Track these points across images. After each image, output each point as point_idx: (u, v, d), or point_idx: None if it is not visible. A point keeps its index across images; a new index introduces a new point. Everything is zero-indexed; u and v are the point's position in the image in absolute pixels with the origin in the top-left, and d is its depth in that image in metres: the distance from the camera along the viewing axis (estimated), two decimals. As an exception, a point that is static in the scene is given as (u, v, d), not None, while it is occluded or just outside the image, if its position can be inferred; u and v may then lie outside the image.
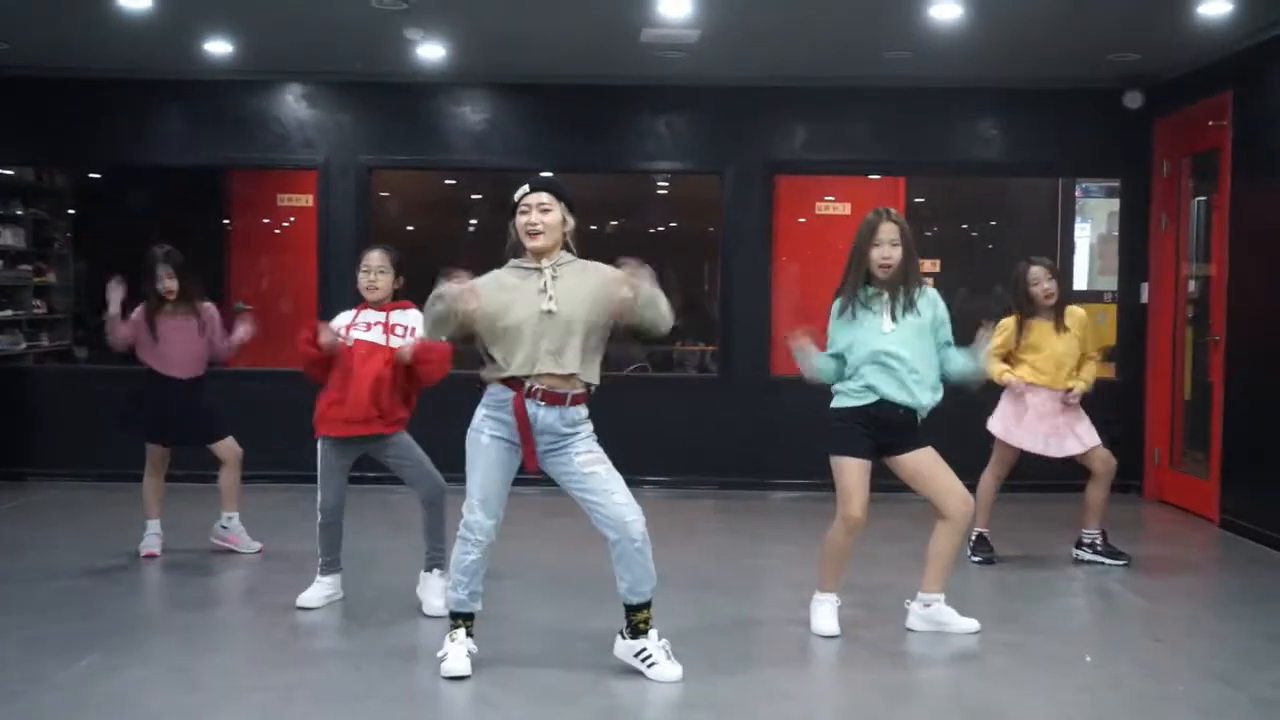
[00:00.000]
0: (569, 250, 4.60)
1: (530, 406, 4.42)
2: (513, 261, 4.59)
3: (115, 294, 6.29)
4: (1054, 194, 9.87)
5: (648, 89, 8.82)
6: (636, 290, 4.42)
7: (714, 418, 8.72)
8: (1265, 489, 7.18)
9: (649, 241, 11.77)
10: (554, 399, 4.43)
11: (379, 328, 5.38)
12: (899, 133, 8.89)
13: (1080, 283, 9.65)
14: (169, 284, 6.34)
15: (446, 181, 11.16)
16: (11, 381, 9.11)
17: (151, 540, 6.46)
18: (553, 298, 4.41)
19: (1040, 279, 6.39)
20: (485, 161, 9.09)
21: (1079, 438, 6.35)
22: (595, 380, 4.55)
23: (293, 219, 10.23)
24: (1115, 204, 9.20)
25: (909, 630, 5.20)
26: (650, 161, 9.10)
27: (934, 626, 5.17)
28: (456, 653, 4.51)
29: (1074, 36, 7.42)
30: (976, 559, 6.43)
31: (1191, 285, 8.56)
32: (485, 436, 4.51)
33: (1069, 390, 6.32)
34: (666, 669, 4.49)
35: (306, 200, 9.40)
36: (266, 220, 10.63)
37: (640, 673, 4.50)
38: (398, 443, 5.46)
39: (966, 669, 4.88)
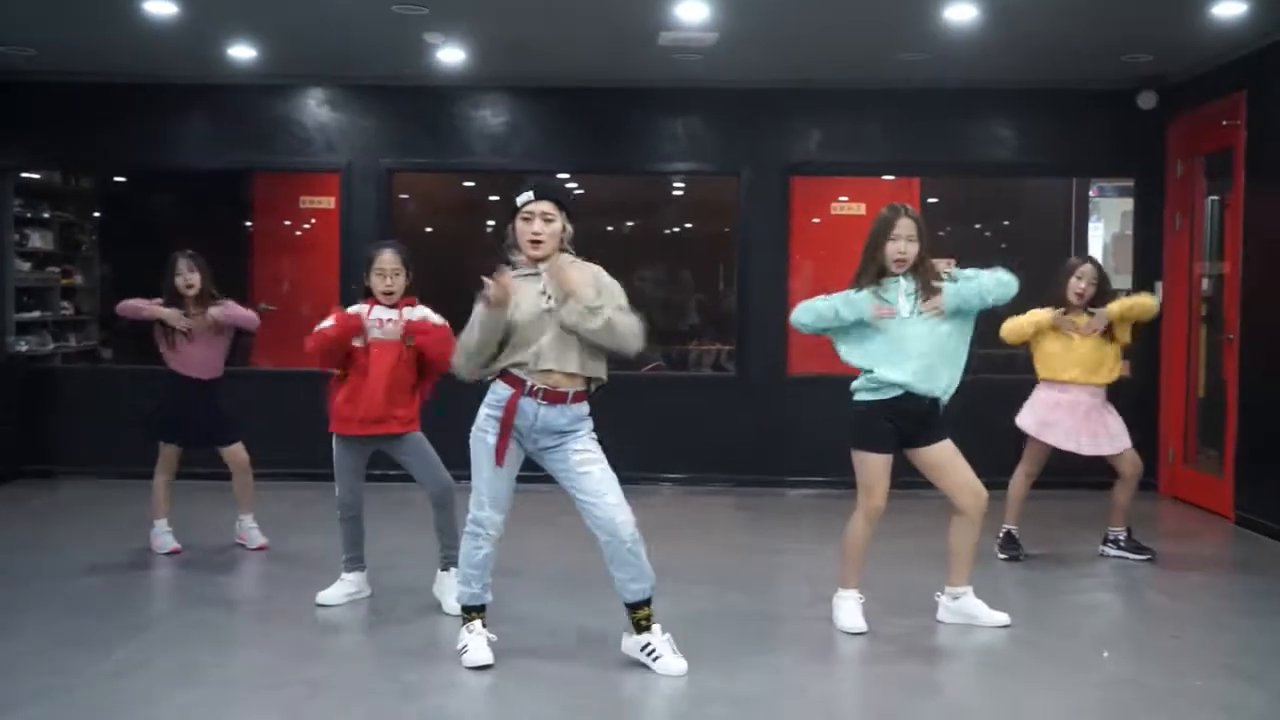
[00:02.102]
0: (567, 252, 4.59)
1: (530, 405, 4.43)
2: (515, 264, 4.58)
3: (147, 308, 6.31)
4: (1068, 194, 9.86)
5: (664, 91, 8.82)
6: (560, 298, 4.41)
7: (731, 416, 8.71)
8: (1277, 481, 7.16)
9: (666, 242, 11.79)
10: (555, 397, 4.43)
11: (392, 325, 5.35)
12: (913, 133, 8.89)
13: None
14: (190, 278, 6.36)
15: (465, 184, 11.17)
16: (40, 381, 9.15)
17: (165, 539, 6.48)
18: (551, 297, 4.42)
19: (1085, 274, 6.33)
20: (504, 164, 9.09)
21: (1112, 438, 6.31)
22: (602, 376, 4.54)
23: (314, 220, 10.24)
24: (1129, 203, 9.18)
25: (939, 622, 5.19)
26: (667, 163, 9.09)
27: (964, 619, 5.15)
28: (477, 644, 4.54)
29: (1087, 37, 7.39)
30: (1003, 556, 6.40)
31: (1205, 284, 8.52)
32: (490, 436, 4.50)
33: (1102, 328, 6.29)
34: (671, 663, 4.48)
35: (329, 202, 9.43)
36: (289, 222, 10.64)
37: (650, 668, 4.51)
38: (410, 441, 5.45)
39: (985, 664, 4.86)
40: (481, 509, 4.52)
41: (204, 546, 6.58)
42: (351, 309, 5.43)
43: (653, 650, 4.51)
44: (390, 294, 5.36)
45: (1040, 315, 6.28)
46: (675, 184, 10.95)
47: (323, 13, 6.95)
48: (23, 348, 9.41)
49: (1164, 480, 8.53)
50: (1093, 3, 6.52)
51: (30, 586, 5.84)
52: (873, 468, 5.01)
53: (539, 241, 4.47)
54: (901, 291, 5.00)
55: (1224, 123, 7.94)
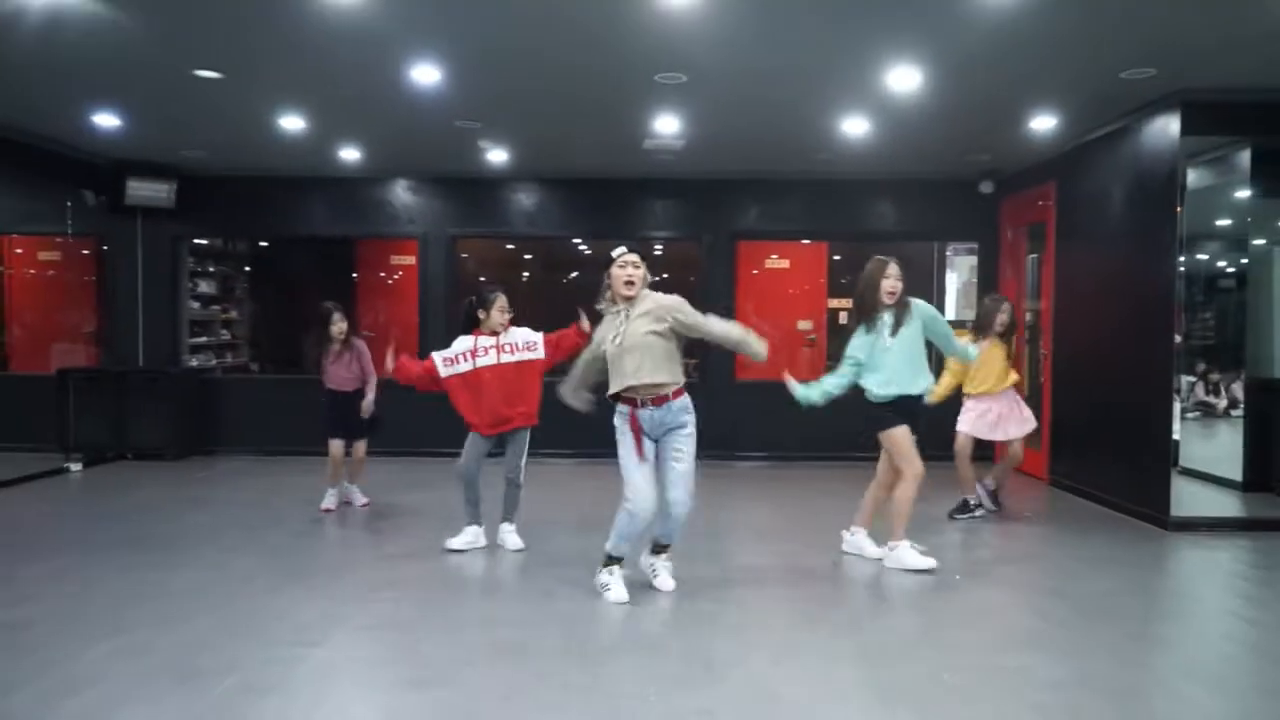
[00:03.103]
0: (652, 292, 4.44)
1: (645, 410, 4.27)
2: (604, 309, 4.45)
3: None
4: (931, 253, 9.89)
5: (648, 180, 8.85)
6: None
7: (696, 409, 8.68)
8: (1080, 457, 7.20)
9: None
10: (659, 400, 4.28)
11: (494, 351, 5.17)
12: (823, 210, 8.92)
13: (950, 315, 9.64)
14: (340, 326, 6.32)
15: (508, 247, 11.18)
16: (205, 387, 9.14)
17: (329, 499, 6.40)
18: (619, 337, 4.29)
19: (1006, 310, 6.25)
20: (535, 232, 9.11)
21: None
22: (679, 378, 4.35)
23: (401, 273, 10.26)
24: (974, 260, 9.22)
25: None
26: (650, 231, 9.14)
27: (897, 564, 4.96)
28: (618, 585, 4.38)
29: (944, 143, 7.45)
30: (961, 518, 6.26)
31: (1029, 316, 8.55)
32: (627, 440, 4.31)
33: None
34: (665, 581, 4.52)
35: (411, 260, 9.43)
36: (383, 274, 10.65)
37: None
38: (520, 434, 5.25)
39: (934, 599, 4.80)
40: (636, 497, 4.26)
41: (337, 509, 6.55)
42: (460, 340, 5.23)
43: (655, 569, 4.55)
44: (505, 327, 5.21)
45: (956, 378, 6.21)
46: (656, 246, 10.97)
47: (405, 127, 6.98)
48: (193, 363, 9.40)
49: (998, 453, 8.54)
50: (948, 119, 6.58)
51: (195, 534, 5.84)
52: (902, 439, 4.90)
53: (632, 283, 4.33)
54: (885, 325, 4.89)
55: (1040, 203, 8.00)
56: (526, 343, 5.23)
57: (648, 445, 4.33)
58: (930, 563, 4.88)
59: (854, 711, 3.20)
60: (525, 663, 3.60)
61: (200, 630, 3.94)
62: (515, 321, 5.33)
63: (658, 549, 4.60)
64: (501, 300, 5.22)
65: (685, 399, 4.36)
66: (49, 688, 3.34)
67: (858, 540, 5.25)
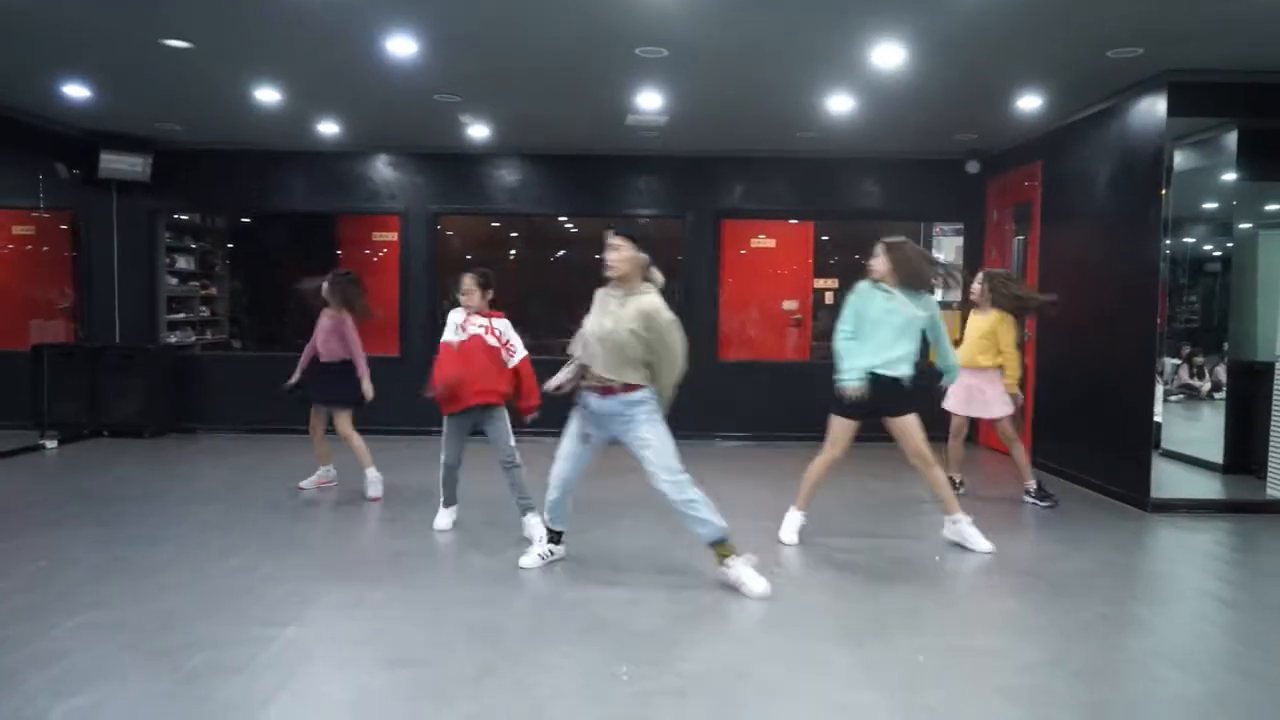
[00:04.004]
0: (650, 282, 4.33)
1: (592, 396, 4.25)
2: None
3: None
4: (918, 232, 9.86)
5: (631, 158, 8.79)
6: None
7: (680, 388, 8.67)
8: (1062, 439, 7.22)
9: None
10: (605, 391, 4.25)
11: (482, 330, 5.11)
12: (809, 189, 8.89)
13: (935, 296, 9.60)
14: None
15: (492, 224, 11.09)
16: (184, 364, 9.08)
17: (376, 486, 6.14)
18: (607, 319, 4.26)
19: (980, 282, 6.21)
20: (517, 209, 9.05)
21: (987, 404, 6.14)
22: (636, 381, 4.26)
23: (385, 250, 10.17)
24: (960, 240, 9.21)
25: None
26: (634, 209, 9.08)
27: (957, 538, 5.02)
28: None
29: (931, 122, 7.42)
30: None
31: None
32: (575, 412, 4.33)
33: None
34: (752, 585, 4.18)
35: (393, 236, 9.35)
36: (366, 251, 10.56)
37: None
38: (493, 417, 5.13)
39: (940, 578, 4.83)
40: (686, 474, 4.23)
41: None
42: (454, 313, 5.19)
43: (737, 578, 4.25)
44: (475, 306, 5.19)
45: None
46: (642, 224, 10.94)
47: (384, 100, 6.89)
48: (172, 340, 9.32)
49: (982, 435, 8.60)
50: (934, 97, 6.54)
51: (173, 511, 5.81)
52: (841, 430, 4.95)
53: (612, 266, 4.27)
54: (901, 299, 4.89)
55: (1026, 183, 7.98)
56: (508, 345, 5.14)
57: (587, 426, 4.30)
58: (990, 546, 4.91)
59: (823, 691, 3.21)
60: (498, 643, 3.60)
61: (171, 607, 3.92)
62: (496, 304, 5.25)
63: (717, 557, 4.32)
64: (464, 281, 5.16)
65: (639, 394, 4.21)
66: (14, 663, 3.32)
67: (960, 529, 5.09)
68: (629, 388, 4.22)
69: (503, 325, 5.17)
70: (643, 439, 4.23)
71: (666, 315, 4.20)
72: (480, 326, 5.13)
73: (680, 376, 4.26)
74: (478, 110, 7.28)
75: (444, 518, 5.34)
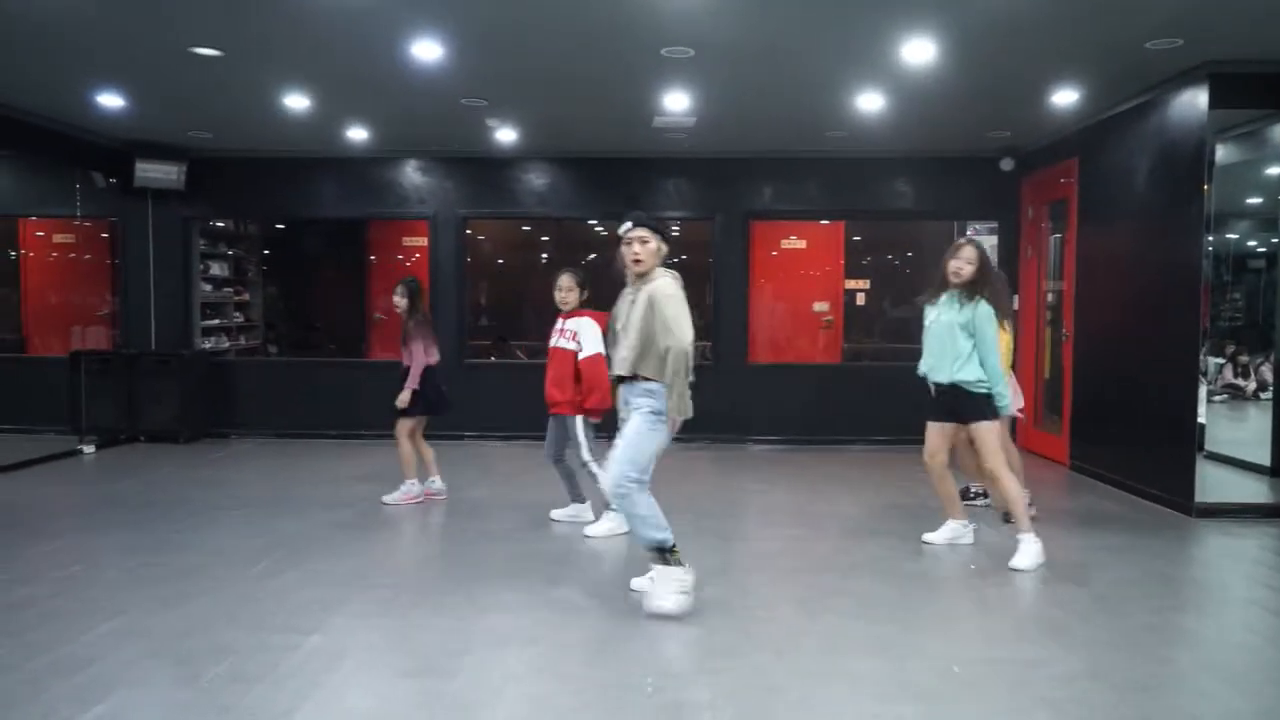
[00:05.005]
0: (666, 270, 4.10)
1: (620, 387, 4.18)
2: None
3: None
4: (951, 232, 9.68)
5: (660, 159, 8.72)
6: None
7: (708, 392, 8.56)
8: (1100, 441, 7.04)
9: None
10: (627, 379, 4.12)
11: (557, 333, 5.21)
12: (839, 189, 8.76)
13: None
14: (398, 301, 6.02)
15: (523, 228, 11.09)
16: (218, 369, 9.14)
17: (434, 484, 6.17)
18: (625, 319, 4.11)
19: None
20: (547, 212, 9.02)
21: None
22: (650, 373, 4.04)
23: (417, 255, 10.20)
24: (995, 239, 9.04)
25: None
26: (662, 211, 8.98)
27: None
28: (674, 593, 3.95)
29: (963, 119, 7.27)
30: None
31: (1050, 297, 8.38)
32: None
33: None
34: (662, 601, 3.93)
35: (422, 241, 9.36)
36: (399, 255, 10.60)
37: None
38: (559, 422, 5.16)
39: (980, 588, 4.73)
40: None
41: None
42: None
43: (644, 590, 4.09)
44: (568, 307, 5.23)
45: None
46: (674, 228, 10.88)
47: (413, 105, 6.88)
48: (206, 345, 9.40)
49: (1020, 438, 8.41)
50: (967, 94, 6.40)
51: (201, 515, 5.81)
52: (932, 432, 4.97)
53: (640, 260, 4.03)
54: (941, 304, 4.88)
55: (1062, 180, 7.81)
56: (576, 335, 5.11)
57: (625, 413, 4.13)
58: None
59: (857, 705, 3.10)
60: (521, 652, 3.53)
61: (196, 613, 3.90)
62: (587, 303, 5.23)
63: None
64: (560, 280, 5.23)
65: (651, 385, 3.97)
66: (40, 669, 3.32)
67: (949, 531, 5.12)
68: (644, 378, 4.01)
69: (577, 324, 5.13)
70: (631, 427, 4.02)
71: (668, 291, 3.94)
72: (559, 330, 5.14)
73: (685, 362, 3.86)
74: (505, 113, 7.25)
75: (570, 511, 5.46)
